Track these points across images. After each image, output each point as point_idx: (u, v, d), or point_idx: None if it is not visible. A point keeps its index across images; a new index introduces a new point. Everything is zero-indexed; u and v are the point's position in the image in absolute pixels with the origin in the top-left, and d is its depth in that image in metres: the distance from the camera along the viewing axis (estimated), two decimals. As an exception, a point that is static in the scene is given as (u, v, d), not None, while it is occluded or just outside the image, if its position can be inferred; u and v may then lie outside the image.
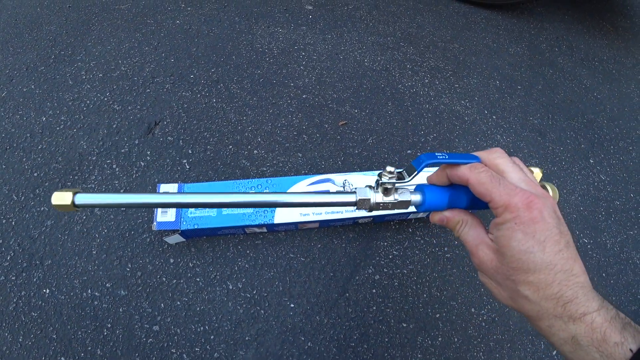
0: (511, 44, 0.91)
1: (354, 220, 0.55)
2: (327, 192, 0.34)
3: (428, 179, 0.33)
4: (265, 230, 0.55)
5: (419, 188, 0.32)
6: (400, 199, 0.31)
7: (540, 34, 0.96)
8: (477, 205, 0.31)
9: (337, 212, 0.53)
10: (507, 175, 0.28)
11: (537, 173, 0.34)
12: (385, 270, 0.56)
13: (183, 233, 0.52)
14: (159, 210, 0.51)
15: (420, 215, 0.58)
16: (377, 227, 0.59)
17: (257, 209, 0.52)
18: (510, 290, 0.27)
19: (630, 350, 0.22)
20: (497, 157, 0.29)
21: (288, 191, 0.54)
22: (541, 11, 1.03)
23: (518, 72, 0.85)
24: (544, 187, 0.31)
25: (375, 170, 0.62)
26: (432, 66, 0.79)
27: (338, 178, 0.55)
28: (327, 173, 0.58)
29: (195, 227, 0.51)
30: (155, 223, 0.51)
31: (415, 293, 0.56)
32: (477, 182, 0.28)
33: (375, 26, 0.84)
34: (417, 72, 0.77)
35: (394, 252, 0.57)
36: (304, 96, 0.70)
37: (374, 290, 0.55)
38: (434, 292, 0.56)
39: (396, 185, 0.31)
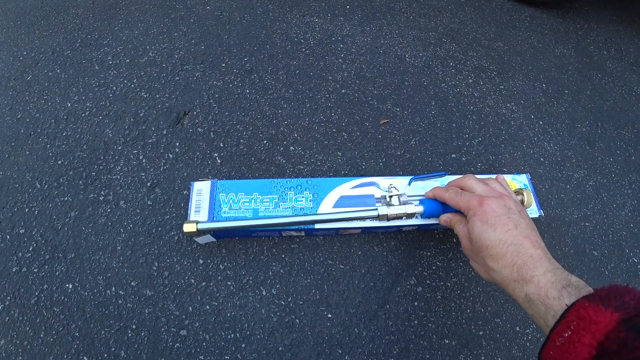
0: (557, 45, 0.85)
1: (398, 227, 0.51)
2: (352, 210, 0.46)
3: (425, 195, 0.48)
4: (303, 234, 0.52)
5: (421, 202, 0.46)
6: (408, 210, 0.45)
7: (588, 35, 0.90)
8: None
9: None
10: (474, 190, 0.41)
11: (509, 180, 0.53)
12: (428, 282, 0.52)
13: (215, 233, 0.49)
14: (193, 207, 0.48)
15: None
16: (420, 236, 0.55)
17: (297, 212, 0.48)
18: (483, 265, 0.37)
19: (566, 304, 0.28)
20: (467, 179, 0.43)
21: (329, 195, 0.50)
22: (588, 10, 0.97)
23: (565, 75, 0.80)
24: (521, 193, 0.48)
25: (418, 174, 0.58)
26: (476, 65, 0.75)
27: (383, 182, 0.51)
28: (368, 174, 0.54)
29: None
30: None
31: (458, 308, 0.52)
32: (448, 198, 0.42)
33: (416, 20, 0.80)
34: (460, 70, 0.73)
35: (438, 262, 0.54)
36: (342, 91, 0.66)
37: (416, 303, 0.51)
38: (478, 307, 0.53)
39: (401, 199, 0.48)
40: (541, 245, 0.35)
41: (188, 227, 0.44)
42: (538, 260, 0.33)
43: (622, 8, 1.00)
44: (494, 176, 0.46)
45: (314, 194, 0.50)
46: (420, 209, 0.45)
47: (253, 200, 0.49)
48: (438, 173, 0.49)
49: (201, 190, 0.50)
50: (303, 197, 0.49)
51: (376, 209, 0.44)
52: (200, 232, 0.44)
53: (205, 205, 0.49)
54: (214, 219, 0.48)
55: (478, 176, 0.54)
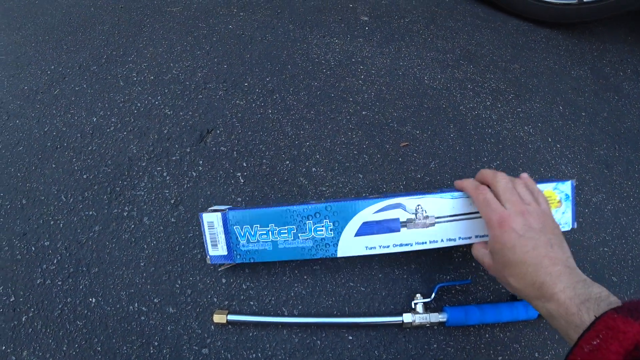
0: (573, 66, 0.86)
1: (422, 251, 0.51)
2: (379, 316, 0.51)
3: (454, 184, 0.48)
4: None
5: (444, 310, 0.49)
6: (432, 320, 0.48)
7: (603, 56, 0.91)
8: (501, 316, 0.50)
9: (406, 244, 0.47)
10: (500, 197, 0.41)
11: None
12: (447, 305, 0.53)
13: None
14: (209, 241, 0.49)
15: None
16: (439, 260, 0.55)
17: (317, 243, 0.47)
18: (507, 284, 0.40)
19: (586, 319, 0.30)
20: (497, 181, 0.42)
21: (351, 222, 0.48)
22: (602, 31, 0.98)
23: (582, 97, 0.80)
24: None
25: (448, 190, 0.51)
26: (494, 87, 0.75)
27: (410, 202, 0.47)
28: (393, 196, 0.49)
29: (252, 261, 0.48)
30: (208, 257, 0.49)
31: (477, 332, 0.52)
32: (475, 201, 0.43)
33: (434, 42, 0.81)
34: (478, 93, 0.74)
35: (457, 287, 0.54)
36: (363, 113, 0.67)
37: (435, 327, 0.51)
38: (497, 332, 0.53)
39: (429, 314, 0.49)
40: (561, 260, 0.36)
41: (218, 318, 0.49)
42: (557, 277, 0.34)
43: (637, 28, 1.00)
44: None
45: (335, 221, 0.47)
46: (444, 317, 0.48)
47: (270, 232, 0.48)
48: (464, 281, 0.54)
49: (212, 222, 0.48)
50: (323, 226, 0.47)
51: (401, 318, 0.48)
52: (229, 324, 0.49)
53: (221, 238, 0.48)
54: (234, 253, 0.48)
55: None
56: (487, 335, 0.52)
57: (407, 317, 0.48)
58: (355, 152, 0.63)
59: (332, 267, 0.53)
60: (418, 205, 0.47)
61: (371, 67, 0.74)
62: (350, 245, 0.47)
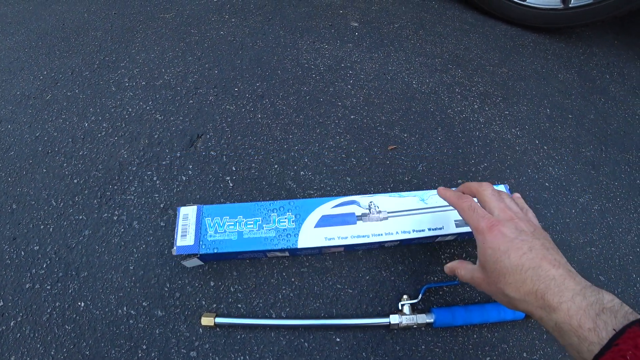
0: (560, 70, 0.87)
1: (380, 244, 0.52)
2: (366, 317, 0.50)
3: (438, 191, 0.47)
4: (287, 254, 0.53)
5: (432, 311, 0.50)
6: (419, 321, 0.49)
7: (590, 59, 0.92)
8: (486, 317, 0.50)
9: (363, 236, 0.50)
10: (487, 205, 0.39)
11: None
12: (434, 306, 0.53)
13: (202, 257, 0.50)
14: (179, 232, 0.50)
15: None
16: (427, 261, 0.56)
17: (280, 233, 0.50)
18: (504, 298, 0.35)
19: (605, 337, 0.25)
20: (483, 189, 0.41)
21: (311, 215, 0.51)
22: (590, 35, 0.99)
23: (568, 100, 0.81)
24: None
25: (398, 191, 0.56)
26: (481, 91, 0.77)
27: (363, 200, 0.53)
28: (350, 195, 0.55)
29: (215, 251, 0.48)
30: (175, 247, 0.49)
31: (465, 333, 0.52)
32: (460, 210, 0.41)
33: (422, 46, 0.82)
34: (466, 96, 0.75)
35: (445, 287, 0.54)
36: (351, 117, 0.68)
37: (423, 328, 0.51)
38: (485, 333, 0.53)
39: (416, 315, 0.49)
40: (562, 263, 0.32)
41: (206, 321, 0.49)
42: (562, 283, 0.30)
43: (623, 32, 1.02)
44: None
45: (297, 214, 0.51)
46: (431, 318, 0.49)
47: (237, 223, 0.50)
48: (451, 282, 0.54)
49: (187, 215, 0.51)
50: (286, 218, 0.51)
51: (388, 319, 0.49)
52: (216, 326, 0.50)
53: (191, 230, 0.50)
54: (200, 243, 0.49)
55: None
56: (475, 335, 0.52)
57: (394, 319, 0.48)
58: (343, 155, 0.63)
59: (320, 269, 0.54)
60: (370, 202, 0.53)
61: (360, 72, 0.75)
62: (311, 235, 0.50)
